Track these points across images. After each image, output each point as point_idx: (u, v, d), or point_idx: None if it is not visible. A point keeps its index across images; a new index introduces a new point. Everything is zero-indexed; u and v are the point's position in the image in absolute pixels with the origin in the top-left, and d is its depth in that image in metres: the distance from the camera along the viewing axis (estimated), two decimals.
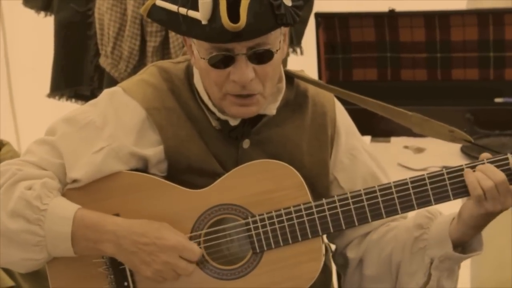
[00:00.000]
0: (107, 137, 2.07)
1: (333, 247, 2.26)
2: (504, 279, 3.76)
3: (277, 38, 1.98)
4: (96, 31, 3.57)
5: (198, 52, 2.00)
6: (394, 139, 3.65)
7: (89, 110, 2.11)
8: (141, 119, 2.08)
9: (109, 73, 3.57)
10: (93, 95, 3.59)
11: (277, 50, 1.98)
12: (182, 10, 1.93)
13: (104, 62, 3.56)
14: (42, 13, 3.72)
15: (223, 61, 1.96)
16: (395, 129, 3.55)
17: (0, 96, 4.55)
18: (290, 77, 2.16)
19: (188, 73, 2.12)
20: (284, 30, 2.02)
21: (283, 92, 2.12)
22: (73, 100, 3.71)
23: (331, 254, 2.25)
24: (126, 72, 3.51)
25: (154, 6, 1.99)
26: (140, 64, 3.51)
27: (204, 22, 1.90)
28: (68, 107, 3.62)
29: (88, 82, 3.66)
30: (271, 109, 2.09)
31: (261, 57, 1.96)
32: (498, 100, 3.63)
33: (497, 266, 3.83)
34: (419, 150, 3.52)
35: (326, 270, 2.20)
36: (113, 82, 3.47)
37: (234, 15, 1.87)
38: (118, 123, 2.07)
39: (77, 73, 3.67)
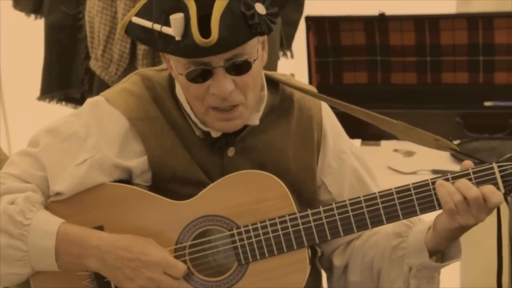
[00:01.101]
0: (90, 149, 2.06)
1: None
2: (493, 282, 3.76)
3: (254, 47, 1.97)
4: (86, 34, 3.56)
5: (175, 67, 2.00)
6: (384, 143, 3.65)
7: (72, 121, 2.10)
8: (124, 130, 2.07)
9: (100, 76, 3.56)
10: (83, 98, 3.59)
11: (254, 60, 1.97)
12: (157, 27, 1.92)
13: (94, 65, 3.56)
14: (32, 16, 3.71)
15: (201, 75, 1.96)
16: (385, 133, 3.54)
17: None
18: (275, 82, 2.15)
19: (171, 82, 2.11)
20: (262, 38, 2.01)
21: (266, 100, 2.11)
22: (63, 103, 3.71)
23: (319, 256, 2.25)
24: (116, 75, 3.51)
25: (130, 23, 1.98)
26: (130, 67, 3.50)
27: (177, 38, 1.89)
28: (59, 110, 3.62)
29: (78, 85, 3.65)
30: (254, 119, 2.08)
31: (239, 68, 1.96)
32: (487, 103, 3.63)
33: (487, 269, 3.83)
34: (409, 153, 3.52)
35: (315, 273, 2.21)
36: (103, 85, 3.47)
37: (205, 30, 1.87)
38: (101, 133, 2.07)
39: (67, 76, 3.66)
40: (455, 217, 1.97)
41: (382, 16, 3.62)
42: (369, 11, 3.64)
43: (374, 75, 3.73)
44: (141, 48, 3.47)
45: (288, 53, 3.77)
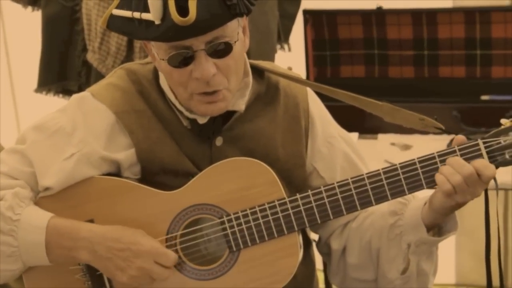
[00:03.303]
0: (77, 143, 2.06)
1: (316, 236, 2.26)
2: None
3: (235, 30, 1.97)
4: (83, 26, 3.57)
5: (157, 54, 2.00)
6: (381, 136, 3.66)
7: (58, 117, 2.10)
8: (110, 123, 2.07)
9: (97, 69, 3.56)
10: (80, 90, 3.57)
11: (235, 42, 1.97)
12: (136, 14, 1.93)
13: (91, 57, 3.56)
14: (30, 8, 3.71)
15: (183, 60, 1.96)
16: (382, 126, 3.56)
17: (0, 89, 4.53)
18: (260, 70, 2.15)
19: (156, 74, 2.11)
20: (243, 22, 2.01)
21: (251, 86, 2.11)
22: (61, 95, 3.71)
23: (314, 244, 2.25)
24: (113, 67, 3.49)
25: (111, 16, 1.99)
26: (127, 60, 3.50)
27: (157, 22, 1.90)
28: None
29: (75, 78, 3.65)
30: (240, 105, 2.08)
31: (220, 50, 1.96)
32: (484, 97, 3.64)
33: (482, 258, 3.85)
34: (406, 147, 3.53)
35: (309, 263, 2.21)
36: (100, 78, 3.43)
37: (184, 11, 1.87)
38: (88, 128, 2.07)
39: (64, 68, 3.66)
40: (453, 196, 1.96)
41: (379, 10, 3.63)
42: (367, 5, 3.65)
43: (372, 68, 3.74)
44: (138, 40, 3.48)
45: (286, 47, 3.76)
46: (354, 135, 3.63)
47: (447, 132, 2.14)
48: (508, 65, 3.58)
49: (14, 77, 4.62)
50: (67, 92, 3.70)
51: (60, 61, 3.66)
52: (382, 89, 3.70)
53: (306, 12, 3.69)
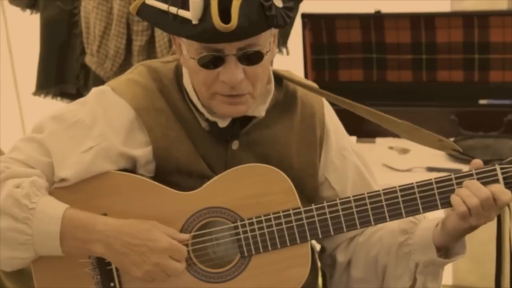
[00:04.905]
0: (96, 137, 2.05)
1: (318, 246, 2.27)
2: (485, 273, 3.81)
3: (267, 39, 1.97)
4: (82, 30, 3.56)
5: (187, 51, 1.99)
6: (379, 140, 3.66)
7: (77, 109, 2.09)
8: (130, 119, 2.06)
9: (95, 72, 3.56)
10: (78, 93, 3.59)
11: (267, 52, 1.97)
12: (173, 9, 1.92)
13: (89, 60, 3.56)
14: (28, 11, 3.70)
15: (213, 62, 1.95)
16: (381, 130, 3.56)
17: (4, 91, 4.51)
18: (279, 78, 2.16)
19: (177, 73, 2.10)
20: (274, 31, 2.01)
21: (272, 93, 2.11)
22: (59, 98, 3.71)
23: (317, 254, 2.25)
24: (111, 71, 3.51)
25: (143, 4, 1.97)
26: (126, 63, 3.50)
27: (194, 22, 1.89)
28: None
29: (73, 81, 3.65)
30: (260, 111, 2.09)
31: (251, 58, 1.95)
32: (482, 101, 3.65)
33: (479, 260, 3.88)
34: (404, 151, 3.54)
35: (313, 270, 2.20)
36: (98, 81, 3.47)
37: (225, 16, 1.87)
38: (107, 122, 2.06)
39: (62, 71, 3.66)
40: (467, 219, 1.97)
41: (378, 14, 3.64)
42: (365, 9, 3.66)
43: (370, 72, 3.75)
44: (137, 44, 3.48)
45: (284, 50, 3.76)
46: (352, 139, 3.63)
47: (465, 155, 2.15)
48: (506, 69, 3.59)
49: (19, 79, 4.60)
50: (65, 95, 3.70)
51: (58, 64, 3.66)
52: (380, 93, 3.71)
53: (304, 16, 3.69)
